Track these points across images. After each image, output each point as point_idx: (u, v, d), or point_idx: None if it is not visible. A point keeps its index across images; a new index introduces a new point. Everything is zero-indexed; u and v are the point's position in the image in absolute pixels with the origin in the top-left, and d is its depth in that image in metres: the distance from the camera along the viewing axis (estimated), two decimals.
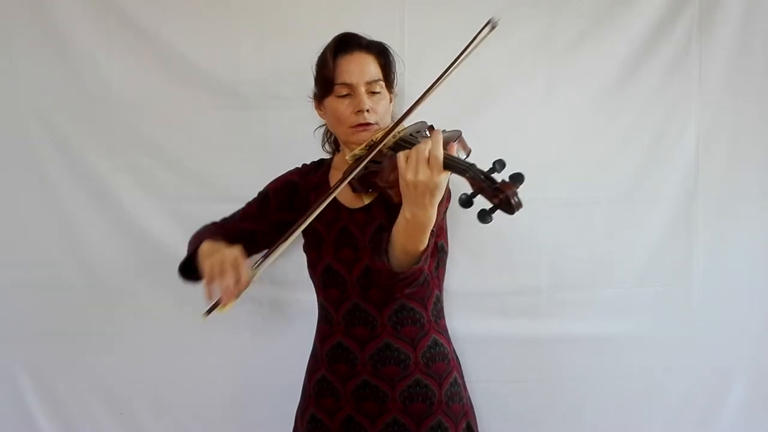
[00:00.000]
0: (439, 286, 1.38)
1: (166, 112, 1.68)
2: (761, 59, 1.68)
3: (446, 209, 1.32)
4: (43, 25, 1.65)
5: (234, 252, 1.17)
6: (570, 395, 1.71)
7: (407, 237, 1.14)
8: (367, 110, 1.29)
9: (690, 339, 1.71)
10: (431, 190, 1.07)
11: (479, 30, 1.22)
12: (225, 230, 1.39)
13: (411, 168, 1.07)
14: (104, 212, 1.69)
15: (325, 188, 1.37)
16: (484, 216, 1.01)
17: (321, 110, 1.39)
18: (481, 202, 1.03)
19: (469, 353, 1.47)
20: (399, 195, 1.19)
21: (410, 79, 1.51)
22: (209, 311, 1.16)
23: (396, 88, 1.42)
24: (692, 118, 1.69)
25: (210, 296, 1.16)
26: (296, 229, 1.20)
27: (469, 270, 1.64)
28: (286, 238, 1.20)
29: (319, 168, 1.45)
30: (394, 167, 1.18)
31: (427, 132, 1.33)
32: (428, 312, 1.33)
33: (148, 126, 1.68)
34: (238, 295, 1.15)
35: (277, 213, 1.41)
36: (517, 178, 1.02)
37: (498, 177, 1.04)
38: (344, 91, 1.31)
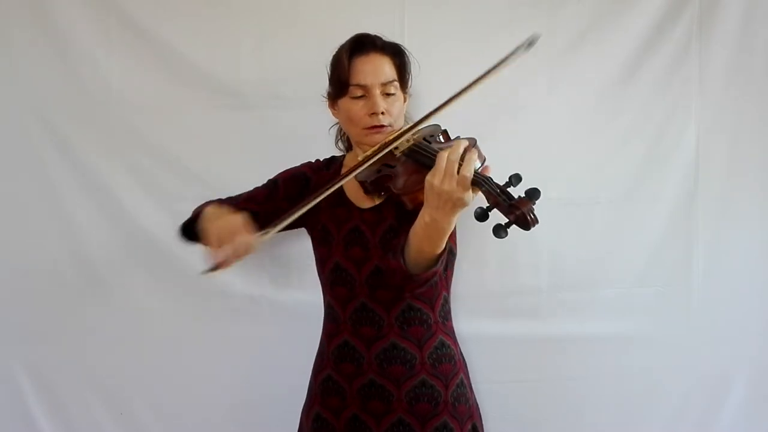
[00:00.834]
0: (447, 287, 1.38)
1: (166, 112, 1.68)
2: (761, 59, 1.68)
3: None
4: (43, 25, 1.65)
5: (240, 218, 1.19)
6: (570, 395, 1.71)
7: (425, 239, 1.15)
8: (382, 112, 1.29)
9: (690, 339, 1.71)
10: (454, 201, 1.08)
11: (517, 46, 1.23)
12: (229, 203, 1.40)
13: (438, 175, 1.08)
14: (104, 212, 1.69)
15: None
16: (499, 231, 1.03)
17: (335, 110, 1.39)
18: (497, 216, 1.04)
19: (470, 353, 1.47)
20: (413, 202, 1.20)
21: (414, 78, 1.50)
22: (210, 270, 1.18)
23: (410, 89, 1.41)
24: (692, 118, 1.69)
25: (214, 259, 1.18)
26: (305, 205, 1.21)
27: (469, 270, 1.64)
28: (294, 212, 1.21)
29: (331, 165, 1.45)
30: (408, 173, 1.20)
31: (441, 137, 1.33)
32: (435, 313, 1.33)
33: (148, 126, 1.68)
34: (240, 260, 1.17)
35: (283, 201, 1.40)
36: (533, 194, 1.03)
37: (514, 191, 1.05)
38: (359, 93, 1.31)
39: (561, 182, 1.66)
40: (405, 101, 1.38)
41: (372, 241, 1.31)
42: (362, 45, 1.33)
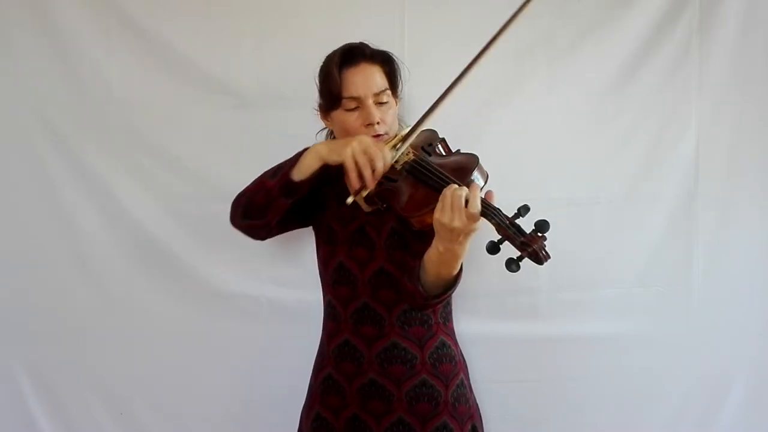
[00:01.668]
0: None
1: (166, 112, 1.68)
2: (761, 59, 1.68)
3: None
4: (43, 25, 1.65)
5: (368, 137, 1.22)
6: (570, 395, 1.71)
7: (441, 265, 1.16)
8: (377, 122, 1.29)
9: (690, 339, 1.71)
10: (466, 233, 1.10)
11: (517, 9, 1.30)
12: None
13: (447, 213, 1.09)
14: (104, 212, 1.69)
15: (340, 185, 1.33)
16: (511, 265, 1.05)
17: (327, 121, 1.38)
18: (507, 247, 1.06)
19: (470, 353, 1.47)
20: (420, 224, 1.20)
21: (410, 79, 1.50)
22: (356, 194, 1.20)
23: (401, 93, 1.42)
24: (692, 118, 1.69)
25: (357, 183, 1.19)
26: (432, 110, 1.25)
27: (469, 271, 1.63)
28: (421, 121, 1.23)
29: None
30: (410, 192, 1.21)
31: (440, 147, 1.33)
32: (437, 314, 1.34)
33: (148, 126, 1.68)
34: (380, 177, 1.19)
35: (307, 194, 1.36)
36: (543, 227, 1.04)
37: (522, 222, 1.06)
38: (352, 105, 1.30)
39: (561, 182, 1.66)
40: (396, 105, 1.38)
41: (377, 242, 1.31)
42: (351, 56, 1.31)
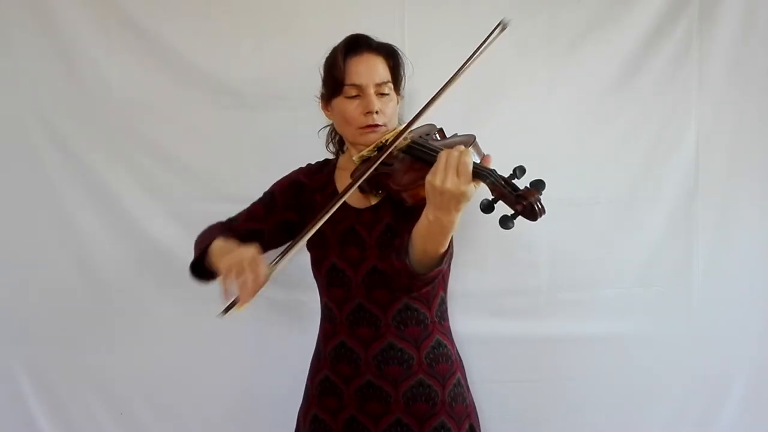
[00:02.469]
0: (444, 287, 1.38)
1: (166, 112, 1.68)
2: (761, 59, 1.68)
3: None
4: (43, 25, 1.65)
5: (251, 250, 1.15)
6: (570, 395, 1.71)
7: (428, 239, 1.14)
8: (376, 112, 1.29)
9: (690, 339, 1.71)
10: (457, 197, 1.07)
11: (490, 32, 1.23)
12: (233, 229, 1.38)
13: (439, 174, 1.07)
14: (104, 212, 1.69)
15: (330, 188, 1.38)
16: (506, 222, 1.01)
17: (328, 110, 1.38)
18: (502, 208, 1.03)
19: (469, 353, 1.47)
20: (413, 198, 1.19)
21: (410, 79, 1.50)
22: (227, 310, 1.14)
23: (403, 91, 1.42)
24: (692, 118, 1.69)
25: (227, 295, 1.14)
26: (311, 228, 1.19)
27: (469, 270, 1.64)
28: (302, 237, 1.19)
29: (325, 168, 1.45)
30: (407, 170, 1.18)
31: (437, 135, 1.33)
32: (432, 313, 1.33)
33: (148, 126, 1.68)
34: (255, 293, 1.12)
35: (284, 213, 1.40)
36: (539, 185, 1.02)
37: (519, 183, 1.04)
38: (353, 92, 1.31)
39: (561, 182, 1.65)
40: (398, 102, 1.38)
41: (368, 241, 1.31)
42: (357, 45, 1.33)
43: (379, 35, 1.38)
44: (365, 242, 1.30)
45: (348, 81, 1.30)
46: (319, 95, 1.39)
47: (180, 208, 1.69)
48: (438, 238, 1.13)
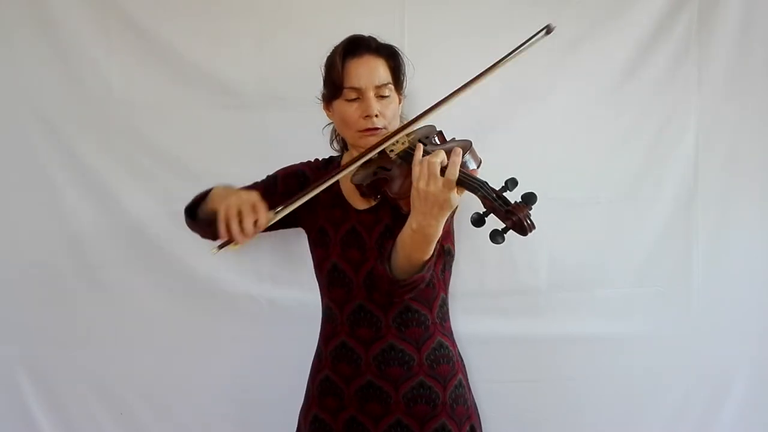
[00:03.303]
0: (445, 288, 1.38)
1: (166, 112, 1.68)
2: (761, 59, 1.68)
3: (454, 212, 1.31)
4: (43, 25, 1.65)
5: (253, 194, 1.18)
6: (570, 395, 1.71)
7: (412, 246, 1.15)
8: (376, 115, 1.29)
9: (690, 339, 1.71)
10: (440, 203, 1.08)
11: (534, 34, 1.25)
12: None
13: (423, 177, 1.07)
14: (104, 212, 1.69)
15: (333, 187, 1.36)
16: (495, 237, 1.02)
17: (329, 111, 1.38)
18: (493, 221, 1.03)
19: (468, 353, 1.47)
20: (408, 206, 1.19)
21: (410, 79, 1.50)
22: (222, 246, 1.16)
23: (405, 91, 1.41)
24: (692, 118, 1.69)
25: (223, 235, 1.16)
26: (323, 184, 1.21)
27: (468, 270, 1.64)
28: (312, 190, 1.20)
29: (329, 165, 1.45)
30: (404, 177, 1.19)
31: (436, 138, 1.32)
32: (433, 314, 1.33)
33: (148, 126, 1.68)
34: (252, 236, 1.15)
35: (282, 197, 1.36)
36: (530, 199, 1.02)
37: (510, 196, 1.05)
38: (353, 95, 1.30)
39: (561, 182, 1.66)
40: (400, 103, 1.38)
41: (369, 242, 1.31)
42: (356, 47, 1.32)
43: (379, 35, 1.38)
44: (366, 243, 1.31)
45: (347, 84, 1.30)
46: (320, 95, 1.39)
47: (180, 208, 1.68)
48: (422, 246, 1.14)
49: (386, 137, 1.26)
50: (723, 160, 1.69)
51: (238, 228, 1.14)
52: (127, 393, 1.74)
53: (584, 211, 1.68)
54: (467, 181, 1.07)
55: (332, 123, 1.46)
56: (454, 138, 1.34)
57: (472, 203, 1.11)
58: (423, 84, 1.48)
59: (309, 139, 1.53)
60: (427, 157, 1.09)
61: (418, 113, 1.27)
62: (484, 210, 1.06)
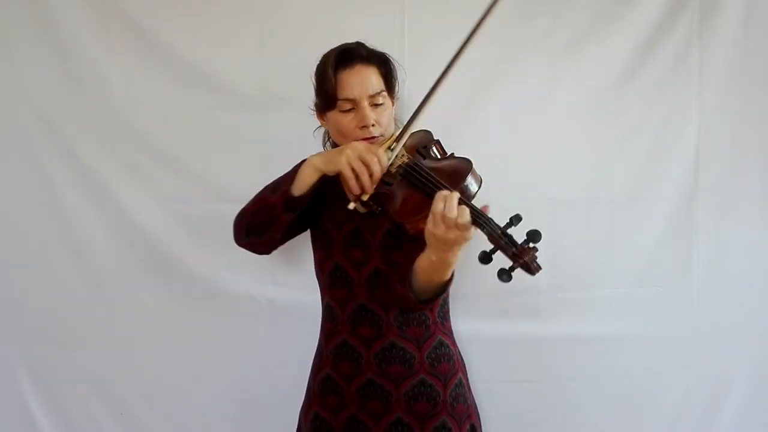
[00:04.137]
0: None
1: (166, 112, 1.68)
2: (761, 59, 1.68)
3: None
4: (43, 25, 1.65)
5: (362, 143, 1.23)
6: (570, 395, 1.71)
7: (432, 273, 1.18)
8: (372, 125, 1.29)
9: (690, 339, 1.71)
10: (459, 243, 1.10)
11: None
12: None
13: (439, 227, 1.09)
14: (104, 212, 1.69)
15: (338, 187, 1.32)
16: (502, 276, 1.06)
17: (323, 120, 1.38)
18: (499, 257, 1.07)
19: (469, 353, 1.47)
20: (414, 229, 1.20)
21: (410, 79, 1.50)
22: (356, 200, 1.21)
23: (398, 93, 1.41)
24: (692, 118, 1.69)
25: (357, 189, 1.20)
26: (423, 106, 1.24)
27: (468, 270, 1.63)
28: (413, 118, 1.23)
29: None
30: (406, 198, 1.20)
31: (435, 149, 1.32)
32: (434, 314, 1.34)
33: (148, 126, 1.68)
34: (377, 180, 1.20)
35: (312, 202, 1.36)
36: (535, 237, 1.05)
37: (514, 231, 1.07)
38: (347, 106, 1.30)
39: (561, 182, 1.66)
40: (393, 105, 1.38)
41: (372, 243, 1.31)
42: (347, 57, 1.31)
43: (379, 35, 1.38)
44: (369, 244, 1.31)
45: (341, 95, 1.29)
46: (313, 106, 1.39)
47: (180, 208, 1.69)
48: (443, 271, 1.17)
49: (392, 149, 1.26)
50: (723, 161, 1.69)
51: (368, 178, 1.19)
52: (127, 393, 1.74)
53: (584, 211, 1.68)
54: (474, 218, 1.10)
55: (322, 127, 1.46)
56: (453, 153, 1.34)
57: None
58: (423, 84, 1.47)
59: (309, 138, 1.53)
60: (441, 202, 1.10)
61: (412, 115, 1.27)
62: (491, 248, 1.08)
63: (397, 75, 1.39)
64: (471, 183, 1.19)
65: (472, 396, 1.40)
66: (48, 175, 1.69)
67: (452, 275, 1.20)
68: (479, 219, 1.10)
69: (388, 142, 1.27)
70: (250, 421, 1.72)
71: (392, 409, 1.29)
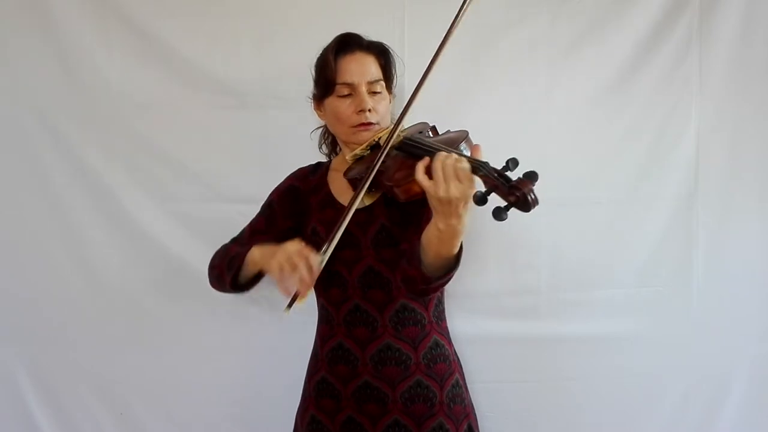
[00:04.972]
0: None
1: (166, 111, 1.68)
2: (761, 59, 1.68)
3: None
4: (42, 25, 1.65)
5: (295, 244, 1.18)
6: (570, 395, 1.71)
7: (441, 244, 1.13)
8: (369, 110, 1.29)
9: (690, 339, 1.71)
10: (465, 201, 1.07)
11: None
12: (240, 244, 1.38)
13: (441, 186, 1.06)
14: (104, 212, 1.69)
15: (324, 190, 1.37)
16: (499, 213, 1.01)
17: (320, 111, 1.39)
18: (495, 200, 1.03)
19: (468, 353, 1.47)
20: (406, 193, 1.18)
21: (410, 79, 1.50)
22: (290, 305, 1.16)
23: (395, 89, 1.42)
24: (692, 118, 1.69)
25: (287, 292, 1.15)
26: (352, 205, 1.20)
27: (468, 270, 1.63)
28: (344, 219, 1.19)
29: (318, 170, 1.45)
30: (400, 166, 1.18)
31: (430, 133, 1.32)
32: (429, 313, 1.33)
33: (148, 126, 1.68)
34: (313, 283, 1.15)
35: (284, 222, 1.39)
36: (532, 176, 1.02)
37: (511, 175, 1.05)
38: (346, 91, 1.30)
39: (561, 182, 1.66)
40: (390, 101, 1.38)
41: (363, 241, 1.30)
42: (348, 44, 1.33)
43: (379, 35, 1.38)
44: (360, 242, 1.30)
45: (340, 80, 1.30)
46: (311, 96, 1.39)
47: (180, 208, 1.69)
48: (451, 241, 1.12)
49: (384, 143, 1.24)
50: (723, 160, 1.70)
51: (300, 280, 1.13)
52: (127, 393, 1.74)
53: (584, 211, 1.68)
54: (473, 165, 1.07)
55: (321, 127, 1.47)
56: (448, 130, 1.34)
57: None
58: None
59: (309, 138, 1.53)
60: (439, 161, 1.07)
61: (408, 103, 1.25)
62: (486, 189, 1.05)
63: (395, 69, 1.39)
64: (465, 149, 1.17)
65: (469, 396, 1.40)
66: (48, 175, 1.68)
67: (461, 251, 1.16)
68: (474, 163, 1.07)
69: (323, 247, 1.20)
70: (250, 421, 1.72)
71: (389, 411, 1.29)
